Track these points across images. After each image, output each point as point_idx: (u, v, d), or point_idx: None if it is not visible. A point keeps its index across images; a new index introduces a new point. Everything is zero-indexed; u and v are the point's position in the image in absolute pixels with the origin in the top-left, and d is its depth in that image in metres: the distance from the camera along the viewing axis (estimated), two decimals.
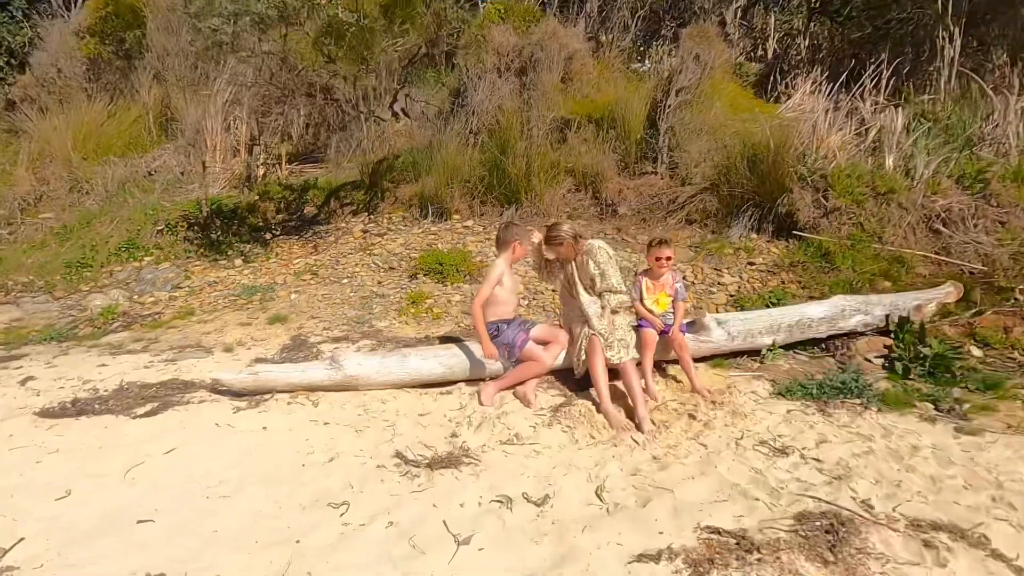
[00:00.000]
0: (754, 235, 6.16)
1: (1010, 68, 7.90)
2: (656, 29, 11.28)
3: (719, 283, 5.51)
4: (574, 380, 3.98)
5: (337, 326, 5.03)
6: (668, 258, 4.05)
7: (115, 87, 8.81)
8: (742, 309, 5.10)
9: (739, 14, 11.06)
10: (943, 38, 7.92)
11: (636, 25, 9.75)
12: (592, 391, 3.77)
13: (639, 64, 10.31)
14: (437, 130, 7.75)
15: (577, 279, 3.93)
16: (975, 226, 5.73)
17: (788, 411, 3.67)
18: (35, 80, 8.63)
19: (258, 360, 4.37)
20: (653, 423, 3.53)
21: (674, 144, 7.12)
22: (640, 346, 4.00)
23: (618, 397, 3.73)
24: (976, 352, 4.44)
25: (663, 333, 4.03)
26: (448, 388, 3.95)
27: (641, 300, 4.10)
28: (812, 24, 9.73)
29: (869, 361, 4.34)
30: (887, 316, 4.48)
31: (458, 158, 7.16)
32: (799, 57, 9.62)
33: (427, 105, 7.92)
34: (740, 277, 5.58)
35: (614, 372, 3.76)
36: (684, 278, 5.24)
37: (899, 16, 8.81)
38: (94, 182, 7.54)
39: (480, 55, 7.92)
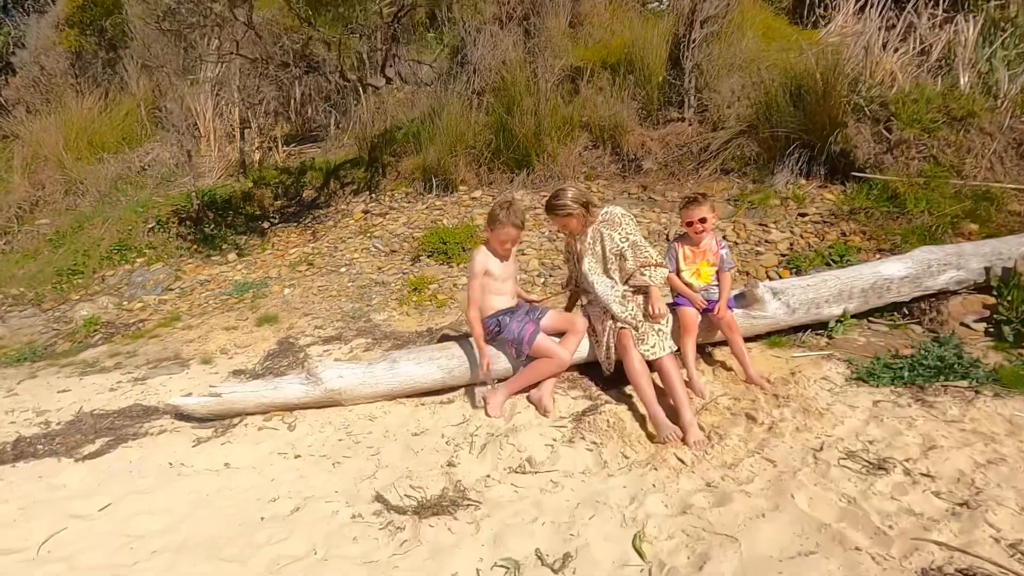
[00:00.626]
0: (803, 180, 5.14)
1: None
2: None
3: (766, 241, 4.56)
4: (599, 375, 3.18)
5: (331, 323, 4.32)
6: (706, 219, 3.15)
7: (103, 80, 8.16)
8: (798, 271, 4.16)
9: None
10: None
11: None
12: (630, 390, 2.96)
13: (655, 3, 9.11)
14: (438, 94, 6.86)
15: (586, 258, 3.09)
16: None
17: (875, 403, 2.79)
18: (22, 81, 8.06)
19: (235, 373, 3.70)
20: (702, 429, 2.71)
21: (702, 84, 6.05)
22: (679, 330, 3.16)
23: (658, 394, 2.92)
24: None
25: (706, 311, 3.17)
26: (449, 396, 3.20)
27: (678, 272, 3.23)
28: None
29: (968, 327, 3.38)
30: (987, 269, 3.50)
31: (461, 123, 6.27)
32: None
33: (421, 65, 7.01)
34: (791, 232, 4.61)
35: (649, 365, 2.94)
36: (725, 239, 4.31)
37: None
38: (89, 182, 6.96)
39: (478, 4, 6.92)
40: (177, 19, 4.41)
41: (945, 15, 6.19)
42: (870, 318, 3.54)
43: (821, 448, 2.48)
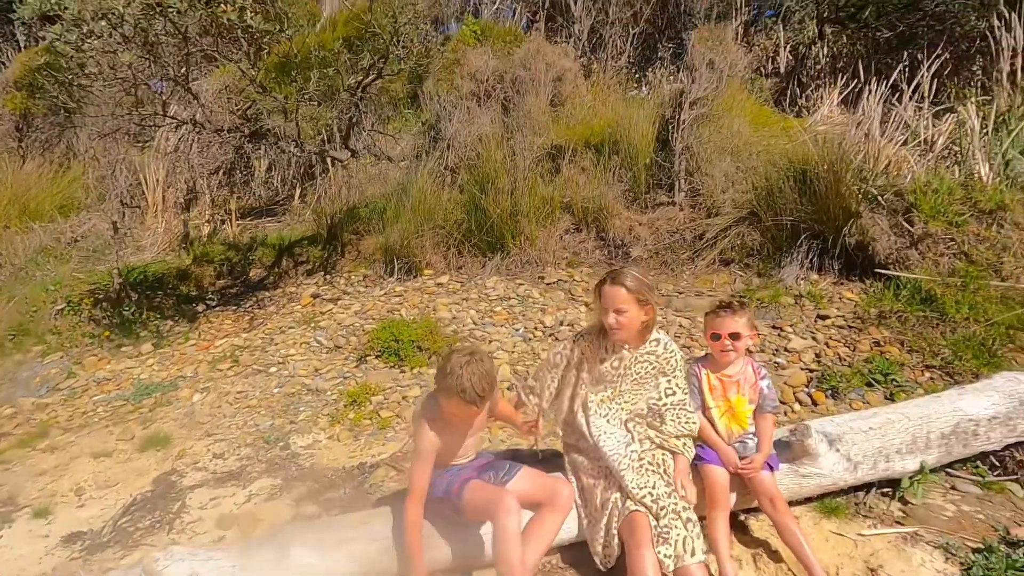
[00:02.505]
0: (815, 276, 4.24)
1: None
2: (652, 54, 9.60)
3: (786, 349, 3.57)
4: (588, 563, 2.04)
5: (236, 449, 3.13)
6: (739, 335, 2.15)
7: (53, 144, 7.19)
8: (835, 394, 3.14)
9: (740, 32, 9.34)
10: (999, 27, 6.11)
11: (631, 44, 8.05)
12: None
13: (636, 91, 8.64)
14: (409, 170, 6.00)
15: (608, 390, 2.05)
16: None
17: None
18: None
19: (71, 537, 2.46)
20: None
21: (693, 167, 5.28)
22: (702, 499, 2.07)
23: None
24: None
25: (741, 474, 2.10)
26: None
27: (702, 410, 2.19)
28: (827, 31, 8.02)
29: None
30: None
31: (431, 200, 5.36)
32: (818, 67, 7.85)
33: (395, 140, 6.19)
34: (814, 339, 3.64)
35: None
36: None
37: (935, 10, 7.04)
38: (5, 255, 5.80)
39: (453, 80, 6.22)
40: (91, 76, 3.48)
41: (935, 108, 5.62)
42: (949, 470, 2.50)
43: None
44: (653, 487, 1.90)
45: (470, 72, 6.47)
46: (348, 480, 2.74)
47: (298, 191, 7.10)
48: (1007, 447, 2.47)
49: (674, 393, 2.08)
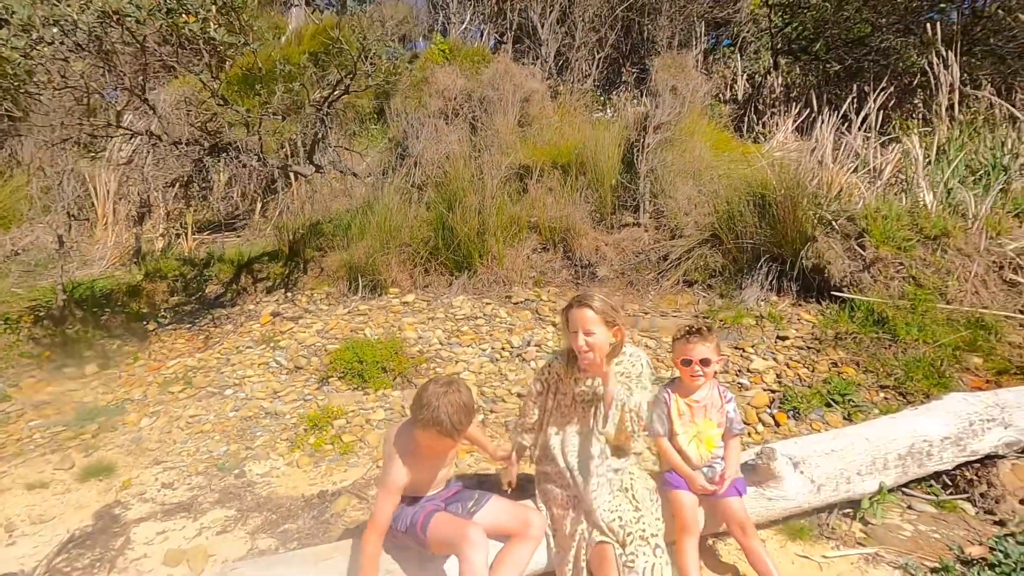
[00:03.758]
0: (774, 297, 4.36)
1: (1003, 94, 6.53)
2: (616, 77, 9.84)
3: (748, 370, 3.63)
4: None
5: (187, 478, 2.95)
6: (708, 361, 2.16)
7: None
8: (796, 414, 3.21)
9: (700, 60, 9.68)
10: (937, 64, 6.51)
11: (596, 67, 8.22)
12: None
13: (601, 113, 8.81)
14: (375, 186, 5.91)
15: (583, 418, 2.02)
16: None
17: None
18: None
19: None
20: None
21: (657, 189, 5.39)
22: (672, 524, 2.06)
23: None
24: None
25: (708, 494, 2.11)
26: None
27: (670, 436, 2.18)
28: (782, 62, 8.38)
29: None
30: None
31: (397, 217, 5.29)
32: (773, 96, 8.19)
33: (361, 156, 6.11)
34: (775, 359, 3.72)
35: None
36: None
37: (880, 46, 7.46)
38: None
39: (421, 97, 6.20)
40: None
41: (881, 138, 5.93)
42: (904, 489, 2.56)
43: None
44: (622, 513, 1.88)
45: (438, 90, 6.47)
46: (307, 510, 2.61)
47: (259, 205, 6.91)
48: (958, 466, 2.56)
49: (644, 402, 2.05)
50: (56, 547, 2.41)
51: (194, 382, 3.94)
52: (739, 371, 3.63)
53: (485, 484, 2.25)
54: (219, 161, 5.88)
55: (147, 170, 6.28)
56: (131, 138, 5.22)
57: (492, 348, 4.06)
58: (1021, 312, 3.84)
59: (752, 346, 3.85)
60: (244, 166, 5.22)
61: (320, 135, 4.70)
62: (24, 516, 2.68)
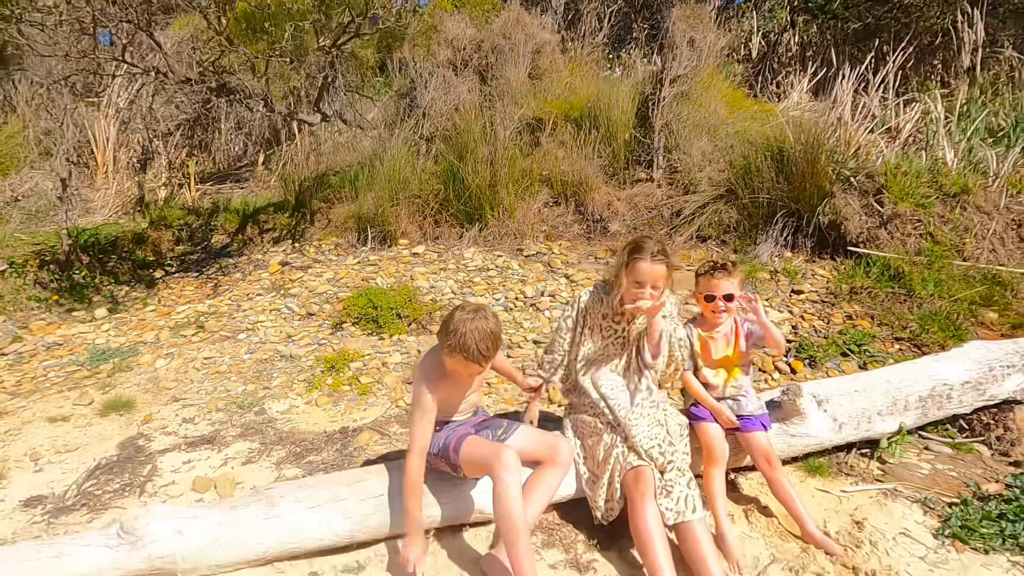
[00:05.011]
0: (788, 253, 4.37)
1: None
2: (626, 34, 9.60)
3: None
4: (586, 520, 2.05)
5: (207, 414, 2.98)
6: (732, 297, 2.17)
7: None
8: (812, 363, 3.25)
9: (714, 16, 9.44)
10: (962, 22, 6.38)
11: (608, 22, 8.01)
12: (636, 551, 1.84)
13: (609, 72, 8.64)
14: (382, 138, 5.81)
15: (629, 352, 2.05)
16: None
17: None
18: None
19: (31, 501, 2.29)
20: None
21: (672, 144, 5.32)
22: (698, 457, 2.10)
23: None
24: None
25: (734, 430, 2.15)
26: (359, 558, 1.95)
27: (695, 370, 2.21)
28: (798, 20, 8.19)
29: None
30: None
31: (406, 169, 5.22)
32: (789, 54, 8.03)
33: (365, 107, 5.98)
34: (790, 312, 3.75)
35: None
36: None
37: (902, 3, 7.28)
38: None
39: (430, 46, 6.04)
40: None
41: (900, 98, 5.84)
42: (921, 432, 2.62)
43: None
44: (661, 441, 1.91)
45: (447, 39, 6.30)
46: (330, 444, 2.65)
47: (262, 157, 6.81)
48: (975, 411, 2.61)
49: (681, 340, 2.09)
50: (84, 473, 2.44)
51: (207, 326, 3.94)
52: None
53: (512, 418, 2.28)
54: (225, 104, 5.74)
55: (149, 115, 6.15)
56: (133, 80, 5.09)
57: (506, 298, 4.07)
58: None
59: (767, 299, 3.87)
60: (251, 110, 5.10)
61: (330, 79, 4.59)
62: (48, 447, 2.70)
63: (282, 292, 4.37)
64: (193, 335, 3.86)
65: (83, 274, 4.68)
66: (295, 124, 6.42)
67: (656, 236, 2.28)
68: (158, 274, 4.90)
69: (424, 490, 1.96)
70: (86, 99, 6.17)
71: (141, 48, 4.83)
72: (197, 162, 6.54)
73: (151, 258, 5.11)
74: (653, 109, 5.30)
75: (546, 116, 5.60)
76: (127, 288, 4.65)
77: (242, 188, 6.44)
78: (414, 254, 4.77)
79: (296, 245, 5.16)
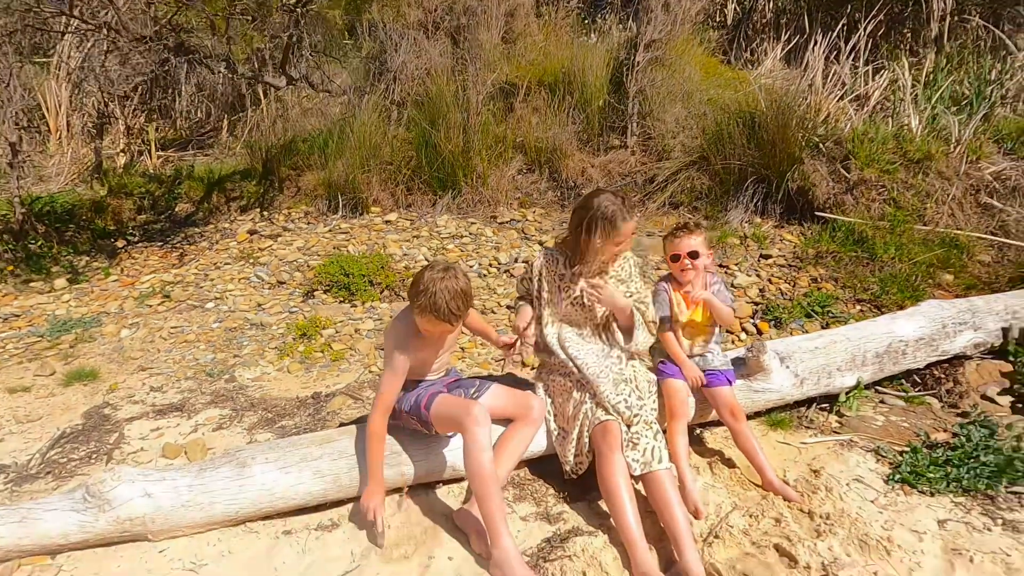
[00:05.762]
0: (758, 219, 4.44)
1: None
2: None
3: (732, 285, 3.74)
4: (557, 474, 2.10)
5: (176, 383, 2.94)
6: (698, 254, 2.22)
7: None
8: (778, 324, 3.35)
9: None
10: None
11: None
12: (605, 503, 1.91)
13: (584, 38, 8.51)
14: (352, 104, 5.67)
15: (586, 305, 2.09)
16: None
17: (942, 523, 1.91)
18: None
19: None
20: None
21: (645, 111, 5.31)
22: (664, 410, 2.16)
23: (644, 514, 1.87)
24: None
25: (706, 385, 2.21)
26: (333, 515, 1.98)
27: (670, 326, 2.26)
28: None
29: (991, 400, 2.65)
30: (1005, 331, 2.81)
31: (377, 135, 5.11)
32: (764, 21, 8.01)
33: (333, 71, 5.81)
34: (758, 276, 3.83)
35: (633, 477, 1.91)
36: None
37: None
38: None
39: (400, 7, 5.86)
40: None
41: (870, 66, 5.91)
42: (878, 387, 2.73)
43: None
44: (628, 396, 1.96)
45: (417, 0, 6.12)
46: (303, 409, 2.65)
47: (227, 123, 6.57)
48: (928, 366, 2.73)
49: (632, 295, 2.14)
50: (48, 442, 2.40)
51: (173, 296, 3.85)
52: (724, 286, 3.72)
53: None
54: (185, 65, 5.50)
55: (102, 77, 5.85)
56: (84, 38, 4.83)
57: (479, 264, 4.07)
58: (992, 233, 4.00)
59: (736, 264, 3.95)
60: (212, 72, 4.90)
61: (295, 39, 4.43)
62: (9, 416, 2.64)
63: (251, 261, 4.29)
64: (159, 305, 3.78)
65: (39, 244, 4.51)
66: (260, 88, 6.20)
67: (616, 191, 2.30)
68: (120, 244, 4.75)
69: (399, 449, 1.99)
70: (33, 59, 5.84)
71: (92, 3, 4.56)
72: (157, 128, 6.29)
73: (112, 227, 4.95)
74: (627, 75, 5.26)
75: (520, 81, 5.52)
76: (87, 258, 4.50)
77: (206, 155, 6.23)
78: (386, 222, 4.72)
79: (265, 213, 5.05)
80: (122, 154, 5.80)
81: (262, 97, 6.32)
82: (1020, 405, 2.58)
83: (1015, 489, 2.05)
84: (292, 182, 5.32)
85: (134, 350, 3.27)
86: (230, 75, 4.52)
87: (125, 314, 3.70)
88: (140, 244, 4.77)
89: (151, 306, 3.77)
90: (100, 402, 2.76)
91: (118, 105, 5.95)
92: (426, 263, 2.07)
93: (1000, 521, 1.90)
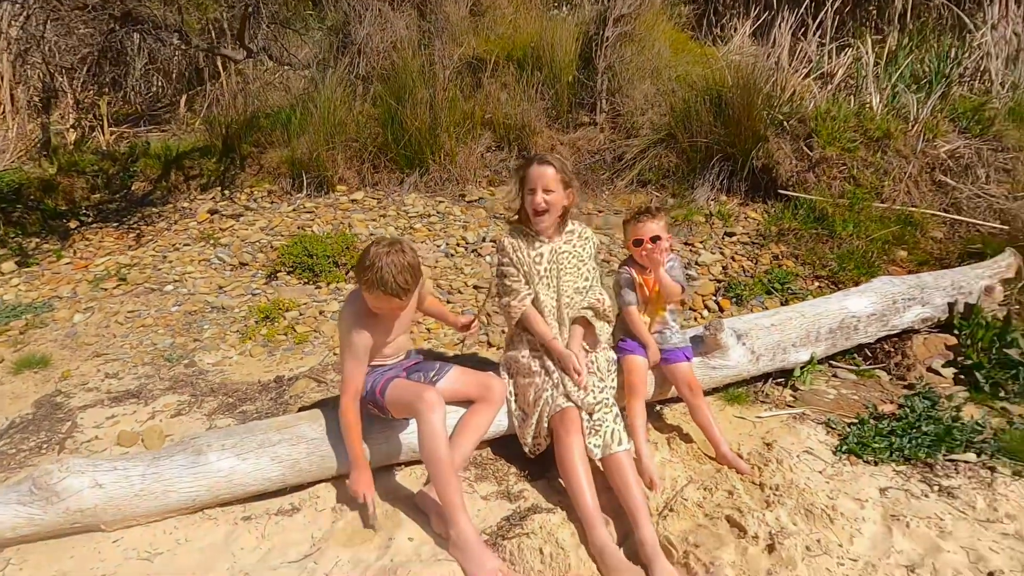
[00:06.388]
0: (724, 196, 4.49)
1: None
2: None
3: (697, 263, 3.79)
4: (518, 453, 2.13)
5: (132, 368, 2.87)
6: (659, 238, 2.23)
7: None
8: (739, 301, 3.41)
9: None
10: None
11: None
12: (562, 481, 1.94)
13: (556, 11, 8.36)
14: (315, 78, 5.49)
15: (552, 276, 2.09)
16: (986, 176, 4.33)
17: (884, 491, 2.00)
18: None
19: None
20: (672, 550, 1.73)
21: (615, 87, 5.27)
22: (623, 387, 2.20)
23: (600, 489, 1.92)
24: None
25: (664, 361, 2.25)
26: (293, 500, 1.98)
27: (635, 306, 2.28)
28: None
29: (936, 372, 2.77)
30: (950, 305, 2.92)
31: (341, 110, 4.96)
32: None
33: (292, 31, 5.60)
34: (722, 253, 3.89)
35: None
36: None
37: None
38: None
39: None
40: None
41: (836, 43, 5.95)
42: (831, 362, 2.82)
43: None
44: (591, 385, 1.99)
45: None
46: (265, 393, 2.61)
47: (184, 97, 6.31)
48: (878, 340, 2.82)
49: (587, 279, 2.16)
50: None
51: (129, 278, 3.73)
52: (688, 264, 3.77)
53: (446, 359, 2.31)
54: (133, 35, 5.24)
55: (44, 48, 5.55)
56: (23, 6, 4.55)
57: (447, 244, 4.03)
58: (945, 210, 4.12)
59: (701, 242, 3.99)
60: (164, 43, 4.68)
61: (251, 8, 4.25)
62: None
63: (212, 242, 4.17)
64: (115, 288, 3.66)
65: None
66: (218, 61, 5.96)
67: (549, 152, 2.32)
68: (72, 224, 4.56)
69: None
70: None
71: None
72: (110, 102, 6.00)
73: (63, 207, 4.74)
74: (597, 50, 5.21)
75: (488, 56, 5.41)
76: (37, 240, 4.32)
77: (163, 131, 5.99)
78: (352, 201, 4.63)
79: (226, 192, 4.90)
80: (72, 130, 5.54)
81: (221, 70, 6.08)
82: (962, 376, 2.69)
83: (952, 457, 2.15)
84: (254, 159, 5.16)
85: (88, 335, 3.18)
86: (184, 47, 4.32)
87: (78, 298, 3.58)
88: (94, 225, 4.58)
89: (106, 289, 3.65)
90: (52, 390, 2.68)
91: (66, 78, 5.65)
92: (372, 240, 2.03)
93: (937, 488, 2.00)
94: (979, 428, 2.26)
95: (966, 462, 2.12)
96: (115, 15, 3.61)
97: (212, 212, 4.61)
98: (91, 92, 5.80)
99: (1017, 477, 2.05)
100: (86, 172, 5.08)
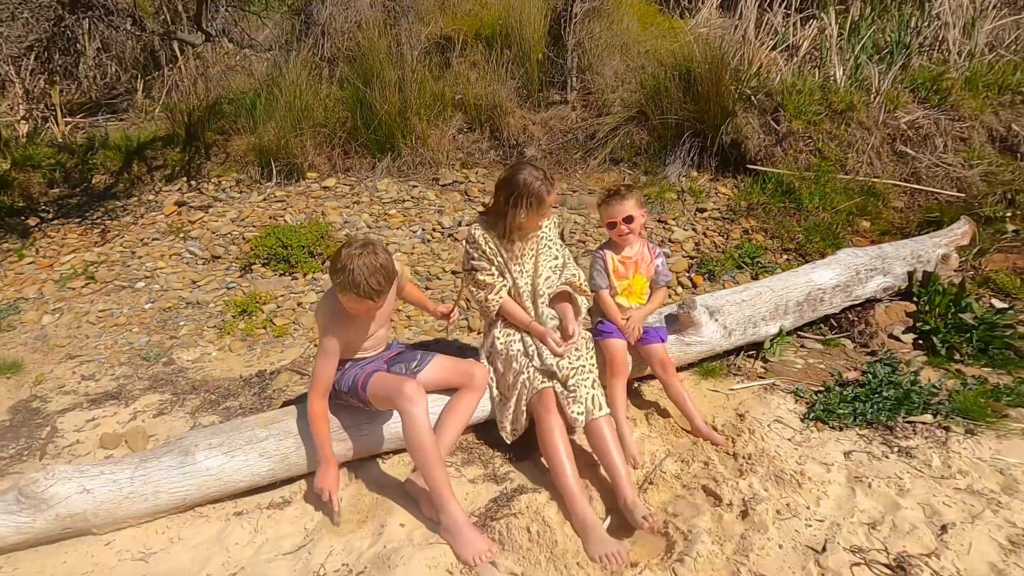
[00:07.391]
0: (695, 172, 4.55)
1: None
2: None
3: (670, 240, 3.86)
4: (502, 443, 2.19)
5: (109, 369, 2.83)
6: (632, 218, 2.28)
7: None
8: (712, 276, 3.50)
9: None
10: None
11: None
12: (544, 460, 2.01)
13: None
14: (278, 61, 5.34)
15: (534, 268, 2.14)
16: (944, 146, 4.48)
17: (848, 455, 2.13)
18: None
19: None
20: (647, 521, 1.82)
21: (585, 64, 5.25)
22: (603, 367, 2.27)
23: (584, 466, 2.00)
24: (997, 304, 3.15)
25: (641, 342, 2.33)
26: (285, 493, 2.01)
27: (610, 291, 2.34)
28: None
29: (897, 339, 2.90)
30: (910, 274, 3.05)
31: (308, 95, 4.86)
32: None
33: (250, 14, 5.43)
34: (694, 230, 3.97)
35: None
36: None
37: None
38: None
39: None
40: None
41: (801, 14, 6.00)
42: (799, 333, 2.94)
43: (823, 548, 1.72)
44: (569, 361, 2.06)
45: None
46: (248, 388, 2.62)
47: (141, 83, 6.09)
48: (843, 310, 2.95)
49: (557, 257, 2.22)
50: None
51: (98, 276, 3.65)
52: (662, 241, 3.85)
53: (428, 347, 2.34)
54: (84, 21, 5.00)
55: None
56: None
57: (423, 230, 4.03)
58: (905, 180, 4.26)
59: (674, 218, 4.07)
60: (116, 30, 4.49)
61: None
62: None
63: (181, 235, 4.09)
64: (83, 287, 3.58)
65: None
66: (175, 45, 5.74)
67: (536, 164, 2.32)
68: (32, 222, 4.42)
69: (337, 425, 2.00)
70: None
71: None
72: (62, 91, 5.76)
73: (20, 204, 4.59)
74: (566, 26, 5.17)
75: (456, 35, 5.33)
76: None
77: (121, 120, 5.79)
78: (324, 188, 4.57)
79: (192, 183, 4.78)
80: (24, 121, 5.31)
81: (179, 54, 5.86)
82: (921, 342, 2.84)
83: (911, 419, 2.29)
84: (220, 148, 5.03)
85: (59, 337, 3.12)
86: (138, 32, 4.15)
87: (46, 299, 3.50)
88: (55, 221, 4.45)
89: (74, 289, 3.57)
90: (27, 395, 2.64)
91: (12, 67, 5.38)
92: (345, 240, 2.03)
93: (896, 449, 2.14)
94: (935, 390, 2.40)
95: (923, 423, 2.26)
96: (63, 2, 3.44)
97: (179, 204, 4.50)
98: (41, 80, 5.54)
99: (969, 435, 2.19)
100: (42, 166, 4.90)
